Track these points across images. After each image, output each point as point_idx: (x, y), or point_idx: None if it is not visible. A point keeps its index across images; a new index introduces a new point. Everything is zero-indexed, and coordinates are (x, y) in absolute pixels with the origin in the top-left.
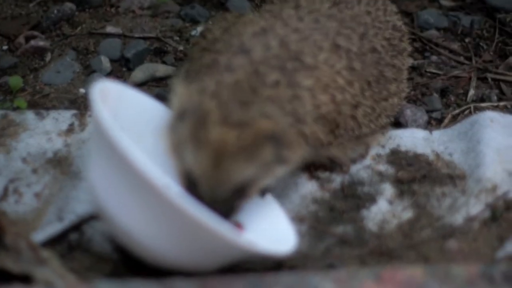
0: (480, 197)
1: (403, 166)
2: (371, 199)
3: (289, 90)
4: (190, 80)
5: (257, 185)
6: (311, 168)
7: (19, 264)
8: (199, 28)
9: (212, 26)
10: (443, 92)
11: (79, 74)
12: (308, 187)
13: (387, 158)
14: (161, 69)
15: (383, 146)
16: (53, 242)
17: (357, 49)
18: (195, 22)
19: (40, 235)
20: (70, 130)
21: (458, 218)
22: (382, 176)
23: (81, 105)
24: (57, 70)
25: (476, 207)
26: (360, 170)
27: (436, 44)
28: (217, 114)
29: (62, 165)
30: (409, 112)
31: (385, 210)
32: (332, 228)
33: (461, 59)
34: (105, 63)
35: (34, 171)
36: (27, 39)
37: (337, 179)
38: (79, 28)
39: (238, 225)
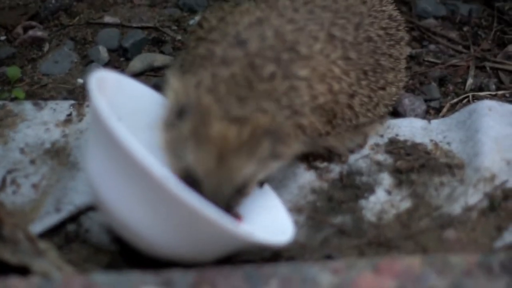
0: (478, 186)
1: (402, 155)
2: (370, 189)
3: (285, 81)
4: (185, 70)
5: (254, 181)
6: (310, 158)
7: (16, 255)
8: (197, 18)
9: (209, 15)
10: (441, 81)
11: (77, 64)
12: (307, 177)
13: (385, 148)
14: (159, 59)
15: (381, 136)
16: (50, 233)
17: (352, 39)
18: (193, 11)
19: (38, 226)
20: (68, 120)
21: (456, 208)
22: (380, 166)
23: (79, 95)
24: (55, 60)
25: (474, 197)
26: (358, 160)
27: (434, 33)
28: (217, 111)
29: (60, 156)
30: (407, 101)
31: (383, 200)
32: (330, 218)
33: (459, 48)
34: (103, 53)
35: (32, 161)
36: (25, 29)
37: (336, 169)
38: (77, 18)
39: (237, 216)
